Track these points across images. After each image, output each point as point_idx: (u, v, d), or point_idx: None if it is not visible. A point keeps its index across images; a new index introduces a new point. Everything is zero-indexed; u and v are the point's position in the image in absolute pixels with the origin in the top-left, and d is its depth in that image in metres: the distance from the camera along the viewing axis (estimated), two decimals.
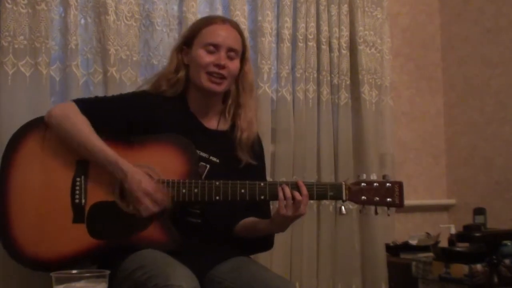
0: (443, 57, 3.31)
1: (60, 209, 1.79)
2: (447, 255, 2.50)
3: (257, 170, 1.97)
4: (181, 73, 1.94)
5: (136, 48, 2.30)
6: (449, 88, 3.28)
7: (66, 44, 2.17)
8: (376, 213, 1.85)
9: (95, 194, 1.80)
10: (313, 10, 2.65)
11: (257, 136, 2.02)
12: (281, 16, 2.60)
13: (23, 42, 2.09)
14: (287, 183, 1.79)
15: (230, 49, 1.91)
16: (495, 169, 3.03)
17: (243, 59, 1.97)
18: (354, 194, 1.81)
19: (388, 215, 1.92)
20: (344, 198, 1.80)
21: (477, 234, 2.37)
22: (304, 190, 1.76)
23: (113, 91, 2.17)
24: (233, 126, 1.97)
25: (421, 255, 2.69)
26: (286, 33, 2.59)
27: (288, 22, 2.60)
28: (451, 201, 3.24)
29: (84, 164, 1.82)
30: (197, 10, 2.40)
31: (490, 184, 3.04)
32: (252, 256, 2.03)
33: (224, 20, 1.98)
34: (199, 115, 1.95)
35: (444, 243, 2.72)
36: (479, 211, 2.75)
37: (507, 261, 2.34)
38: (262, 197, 1.78)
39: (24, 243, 1.78)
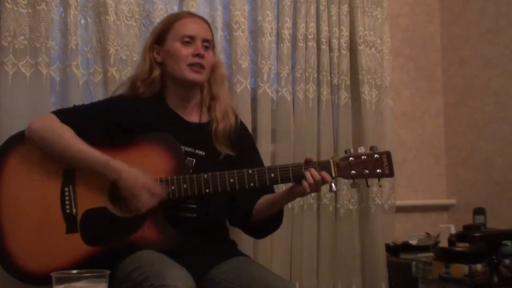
0: (443, 57, 3.31)
1: (52, 221, 1.78)
2: (447, 255, 2.50)
3: (241, 158, 1.95)
4: (156, 72, 1.94)
5: (136, 48, 2.30)
6: (449, 88, 3.28)
7: (66, 44, 2.17)
8: (367, 185, 1.85)
9: (85, 202, 1.80)
10: (313, 10, 2.65)
11: (237, 125, 2.01)
12: (281, 16, 2.60)
13: (23, 42, 2.09)
14: (274, 167, 1.81)
15: (204, 40, 1.93)
16: (495, 169, 3.02)
17: (212, 52, 1.99)
18: (343, 169, 1.80)
19: (380, 186, 1.91)
20: (333, 175, 1.79)
21: (477, 234, 2.37)
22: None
23: (113, 91, 2.17)
24: (210, 118, 1.97)
25: (421, 255, 2.69)
26: (286, 33, 2.59)
27: (288, 22, 2.60)
28: (451, 201, 3.24)
29: (70, 173, 1.81)
30: (197, 10, 2.40)
31: (490, 184, 3.04)
32: (252, 256, 2.03)
33: (192, 14, 2.04)
34: (179, 111, 1.95)
35: (444, 243, 2.71)
36: (479, 211, 2.75)
37: (507, 261, 2.34)
38: (252, 184, 1.78)
39: (20, 259, 1.78)
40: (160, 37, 1.96)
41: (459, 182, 3.21)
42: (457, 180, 3.23)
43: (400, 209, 2.98)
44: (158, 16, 2.36)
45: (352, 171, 1.80)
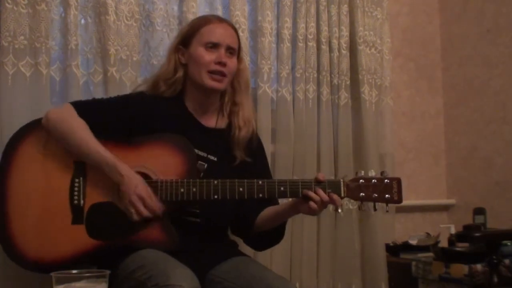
0: (443, 57, 3.31)
1: (59, 210, 1.79)
2: (447, 255, 2.50)
3: (254, 167, 1.97)
4: (179, 73, 1.94)
5: (136, 48, 2.30)
6: (449, 88, 3.28)
7: (66, 44, 2.17)
8: (375, 209, 1.85)
9: (94, 195, 1.80)
10: (313, 10, 2.65)
11: (255, 134, 2.02)
12: (281, 16, 2.60)
13: (23, 42, 2.09)
14: (284, 181, 1.80)
15: (228, 47, 1.92)
16: (495, 169, 3.03)
17: (238, 58, 1.98)
18: (352, 190, 1.80)
19: (387, 211, 1.93)
20: (342, 195, 1.80)
21: (477, 234, 2.37)
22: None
23: (113, 91, 2.18)
24: (230, 124, 1.97)
25: (421, 255, 2.69)
26: (286, 33, 2.59)
27: (288, 22, 2.60)
28: (451, 201, 3.24)
29: (82, 165, 1.82)
30: (197, 10, 2.40)
31: (490, 184, 3.04)
32: (252, 256, 2.03)
33: (221, 19, 2.01)
34: (197, 114, 1.95)
35: (444, 243, 2.71)
36: (479, 211, 2.75)
37: (507, 261, 2.34)
38: (260, 195, 1.78)
39: (24, 246, 1.78)
40: (186, 39, 1.95)
41: (459, 182, 3.21)
42: (457, 180, 3.23)
43: (400, 209, 2.98)
44: (158, 16, 2.36)
45: (361, 193, 1.80)
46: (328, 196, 1.77)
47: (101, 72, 2.25)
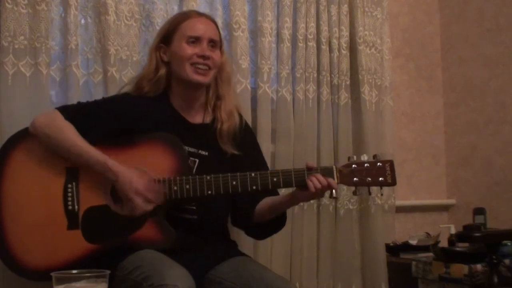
0: (443, 57, 3.31)
1: (54, 217, 1.79)
2: (447, 255, 2.50)
3: (245, 160, 1.96)
4: (162, 71, 1.94)
5: (136, 48, 2.30)
6: (449, 88, 3.28)
7: (66, 44, 2.17)
8: (369, 193, 1.85)
9: (88, 199, 1.80)
10: (313, 10, 2.65)
11: (242, 125, 2.01)
12: (281, 16, 2.60)
13: (23, 42, 2.09)
14: (276, 171, 1.80)
15: (210, 40, 1.93)
16: (495, 169, 3.02)
17: (220, 50, 1.98)
18: (346, 176, 1.80)
19: (381, 194, 1.93)
20: (336, 181, 1.79)
21: (477, 234, 2.37)
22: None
23: (113, 91, 2.17)
24: (214, 118, 1.96)
25: (421, 255, 2.69)
26: (286, 33, 2.59)
27: (288, 22, 2.60)
28: (451, 201, 3.24)
29: (74, 171, 1.82)
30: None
31: (490, 184, 3.04)
32: (252, 256, 2.03)
33: (199, 13, 2.01)
34: (183, 111, 1.95)
35: (444, 243, 2.71)
36: (479, 211, 2.75)
37: (507, 261, 2.34)
38: (254, 188, 1.78)
39: (21, 254, 1.79)
40: (166, 37, 1.95)
41: (459, 182, 3.21)
42: (457, 180, 3.23)
43: (400, 209, 2.98)
44: (158, 16, 2.36)
45: (355, 179, 1.80)
46: (326, 180, 1.76)
47: (101, 72, 2.25)
